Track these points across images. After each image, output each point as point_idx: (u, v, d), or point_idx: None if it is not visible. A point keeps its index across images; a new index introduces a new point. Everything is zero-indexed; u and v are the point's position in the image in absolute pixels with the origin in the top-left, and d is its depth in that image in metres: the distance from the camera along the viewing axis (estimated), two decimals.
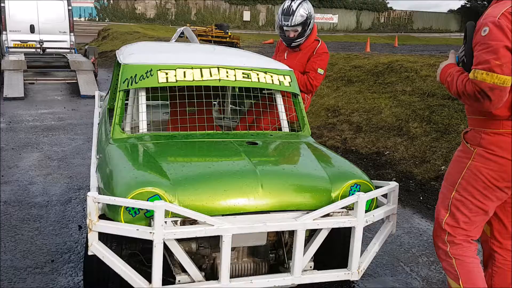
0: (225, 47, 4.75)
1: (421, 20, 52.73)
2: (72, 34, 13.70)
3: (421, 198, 4.61)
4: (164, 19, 40.52)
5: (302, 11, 3.83)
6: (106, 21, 37.70)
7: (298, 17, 3.82)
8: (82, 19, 37.56)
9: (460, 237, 2.38)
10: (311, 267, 2.63)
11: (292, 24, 3.82)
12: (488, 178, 2.26)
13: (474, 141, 2.31)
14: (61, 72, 11.47)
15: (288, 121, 3.44)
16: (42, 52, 12.30)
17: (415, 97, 6.55)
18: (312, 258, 2.62)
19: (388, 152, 5.63)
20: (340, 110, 7.08)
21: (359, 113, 6.75)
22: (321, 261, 2.81)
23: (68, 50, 13.15)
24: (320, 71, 3.91)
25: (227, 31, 24.88)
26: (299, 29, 3.84)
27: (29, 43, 12.72)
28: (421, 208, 4.42)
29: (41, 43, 12.41)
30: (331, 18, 47.95)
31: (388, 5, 51.63)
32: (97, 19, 38.74)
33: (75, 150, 5.90)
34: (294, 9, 3.82)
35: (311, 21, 3.89)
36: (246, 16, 44.17)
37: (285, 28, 3.87)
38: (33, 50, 12.52)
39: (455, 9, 54.48)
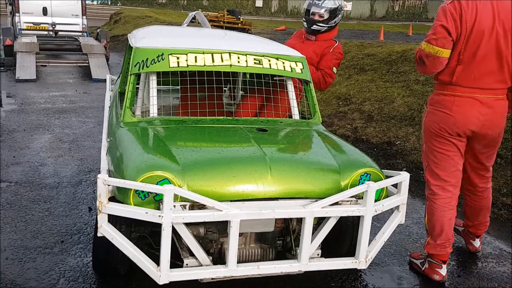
0: (236, 32, 4.71)
1: (436, 9, 51.70)
2: (84, 17, 13.67)
3: None
4: (176, 4, 40.30)
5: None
6: (118, 4, 37.62)
7: (331, 2, 3.84)
8: (95, 2, 37.47)
9: (435, 181, 2.96)
10: (318, 254, 2.63)
11: (322, 5, 3.82)
12: (434, 128, 2.89)
13: (428, 102, 2.97)
14: (73, 55, 11.51)
15: (299, 109, 3.41)
16: (54, 35, 12.31)
17: (428, 86, 6.47)
18: (319, 246, 2.62)
19: (399, 142, 5.58)
20: (352, 98, 7.02)
21: (370, 102, 6.69)
22: (329, 249, 2.81)
23: (80, 33, 13.15)
24: (335, 69, 3.92)
25: (239, 17, 24.67)
26: (326, 15, 3.83)
27: (41, 25, 12.73)
28: None
29: (53, 26, 12.43)
30: (344, 5, 47.28)
31: None
32: (109, 3, 38.65)
33: (86, 133, 5.93)
34: None
35: (338, 16, 3.90)
36: (259, 2, 43.78)
37: (313, 8, 3.86)
38: (46, 32, 12.54)
39: None
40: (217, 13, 24.38)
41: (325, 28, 3.87)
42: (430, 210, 3.01)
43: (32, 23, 12.74)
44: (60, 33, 12.53)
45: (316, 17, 3.85)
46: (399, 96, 6.53)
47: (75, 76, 10.46)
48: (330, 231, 2.61)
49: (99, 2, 38.39)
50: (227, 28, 20.97)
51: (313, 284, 2.91)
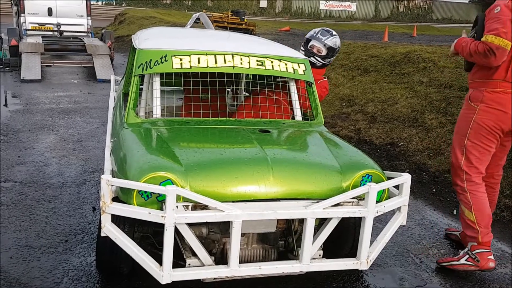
0: (240, 33, 4.73)
1: (441, 10, 51.75)
2: (89, 17, 13.75)
3: (433, 190, 4.58)
4: (181, 5, 40.41)
5: (338, 41, 3.95)
6: (123, 5, 37.74)
7: (333, 41, 3.90)
8: (99, 3, 37.60)
9: (474, 174, 3.14)
10: (320, 255, 2.64)
11: (325, 41, 3.87)
12: (489, 126, 3.05)
13: (477, 99, 3.09)
14: (78, 56, 11.57)
15: (301, 110, 3.43)
16: (59, 35, 12.38)
17: (432, 88, 6.47)
18: (321, 246, 2.63)
19: (402, 143, 5.59)
20: (355, 100, 7.03)
21: (374, 103, 6.69)
22: (331, 250, 2.83)
23: (85, 34, 13.23)
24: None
25: (243, 17, 24.72)
26: (324, 52, 3.88)
27: (46, 26, 12.81)
28: (433, 200, 4.39)
29: (58, 26, 12.50)
30: (349, 6, 47.35)
31: None
32: (114, 3, 38.79)
33: (90, 133, 5.97)
34: (334, 33, 3.96)
35: (334, 57, 4.00)
36: (263, 3, 43.82)
37: (313, 41, 3.90)
38: (51, 33, 12.61)
39: (476, 0, 53.32)
40: (221, 14, 24.43)
41: (320, 63, 3.92)
42: (476, 200, 3.13)
43: (37, 23, 12.82)
44: (65, 33, 12.60)
45: (315, 50, 3.90)
46: (402, 97, 6.53)
47: (80, 77, 10.52)
48: (332, 232, 2.62)
49: (104, 2, 38.51)
50: (231, 28, 21.02)
51: (315, 285, 2.93)
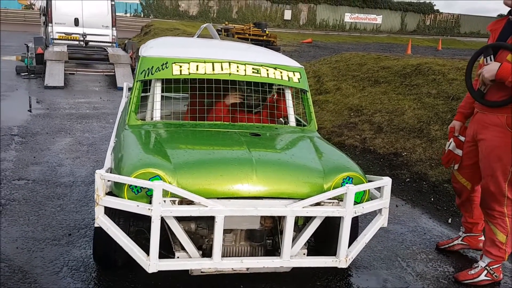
0: (239, 43, 4.92)
1: (469, 24, 51.17)
2: (114, 28, 14.26)
3: (432, 199, 4.63)
4: (206, 17, 41.18)
5: None
6: (150, 17, 38.71)
7: None
8: (128, 14, 38.67)
9: None
10: (304, 254, 2.76)
11: None
12: None
13: None
14: (101, 65, 11.99)
15: (295, 116, 3.58)
16: (85, 45, 12.87)
17: (440, 100, 6.51)
18: (305, 245, 2.76)
19: (405, 153, 5.65)
20: (363, 110, 7.11)
21: (381, 114, 6.77)
22: (318, 251, 2.94)
23: (110, 44, 13.70)
24: None
25: (265, 29, 25.04)
26: None
27: (73, 35, 13.34)
28: (430, 209, 4.44)
29: (84, 36, 13.00)
30: (374, 18, 47.39)
31: (435, 8, 50.41)
32: (142, 15, 39.84)
33: (105, 137, 6.23)
34: None
35: None
36: (287, 15, 44.22)
37: None
38: (77, 42, 13.12)
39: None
40: (243, 26, 24.80)
41: None
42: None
43: (64, 33, 13.37)
44: (90, 43, 13.09)
45: None
46: (410, 108, 6.59)
47: (102, 84, 10.91)
48: (319, 233, 2.74)
49: (132, 14, 39.57)
50: (252, 40, 21.31)
51: (300, 283, 3.04)
